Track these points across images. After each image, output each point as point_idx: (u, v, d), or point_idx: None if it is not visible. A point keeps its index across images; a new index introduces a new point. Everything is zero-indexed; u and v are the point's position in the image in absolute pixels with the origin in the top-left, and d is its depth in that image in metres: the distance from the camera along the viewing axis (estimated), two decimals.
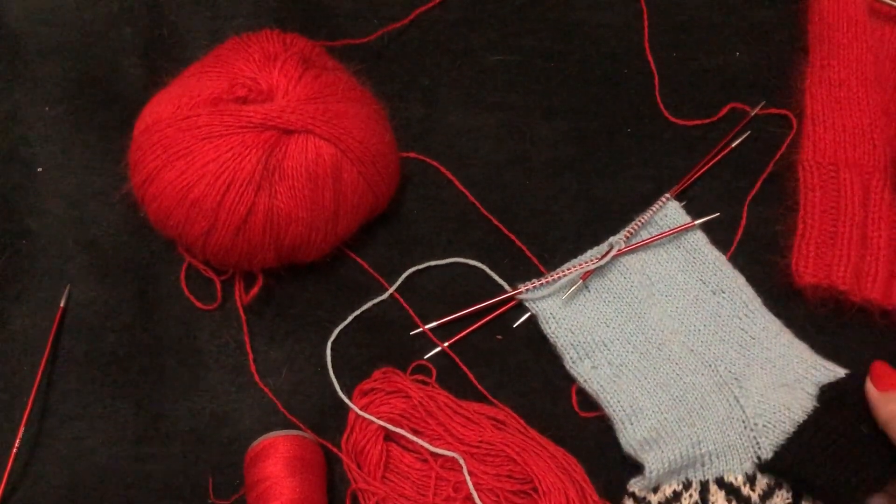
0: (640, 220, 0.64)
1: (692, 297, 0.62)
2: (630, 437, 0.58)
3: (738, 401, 0.59)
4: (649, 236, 0.64)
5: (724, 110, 0.69)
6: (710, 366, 0.60)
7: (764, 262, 0.64)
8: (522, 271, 0.64)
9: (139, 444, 0.61)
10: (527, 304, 0.63)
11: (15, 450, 0.60)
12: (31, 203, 0.67)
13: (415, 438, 0.58)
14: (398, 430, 0.58)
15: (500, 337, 0.63)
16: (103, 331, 0.64)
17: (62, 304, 0.64)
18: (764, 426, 0.57)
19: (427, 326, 0.63)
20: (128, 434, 0.61)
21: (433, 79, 0.71)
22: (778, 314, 0.62)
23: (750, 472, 0.57)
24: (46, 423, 0.62)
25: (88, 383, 0.63)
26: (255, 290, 0.62)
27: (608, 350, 0.61)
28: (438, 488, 0.58)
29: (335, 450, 0.60)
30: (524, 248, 0.65)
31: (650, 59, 0.70)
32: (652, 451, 0.57)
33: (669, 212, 0.64)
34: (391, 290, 0.64)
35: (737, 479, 0.57)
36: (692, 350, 0.61)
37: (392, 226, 0.66)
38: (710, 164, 0.67)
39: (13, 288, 0.65)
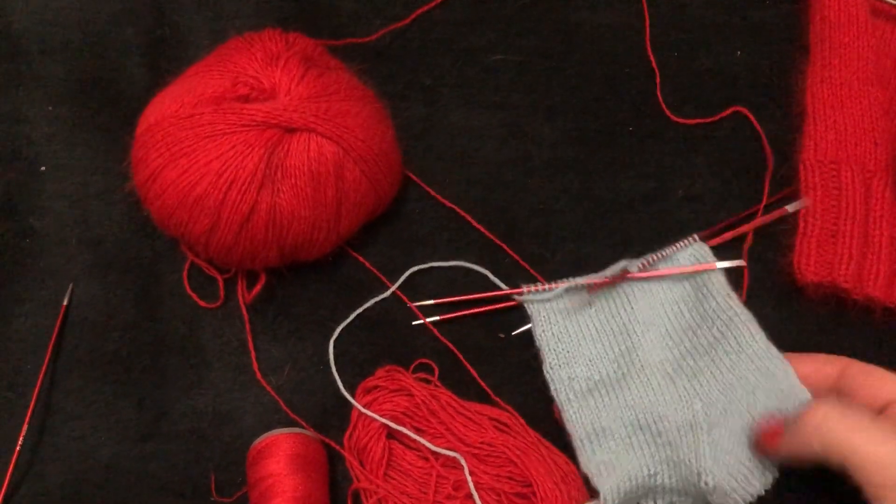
0: (661, 253, 0.62)
1: (691, 330, 0.61)
2: (588, 457, 0.57)
3: (699, 448, 0.55)
4: (666, 266, 0.62)
5: (727, 112, 0.69)
6: (687, 403, 0.57)
7: (765, 260, 0.64)
8: (523, 271, 0.64)
9: (142, 442, 0.61)
10: (525, 306, 0.63)
11: (18, 448, 0.60)
12: (34, 202, 0.67)
13: (416, 437, 0.58)
14: (400, 428, 0.58)
15: (502, 335, 0.63)
16: (106, 329, 0.64)
17: (65, 303, 0.64)
18: (715, 488, 0.53)
19: (418, 304, 0.63)
20: (130, 432, 0.62)
21: (435, 78, 0.71)
22: (779, 312, 0.62)
23: None
24: (49, 422, 0.62)
25: (91, 381, 0.63)
26: (257, 288, 0.62)
27: (590, 366, 0.60)
28: (439, 486, 0.58)
29: (337, 447, 0.60)
30: (516, 256, 0.65)
31: (652, 58, 0.71)
32: (609, 477, 0.55)
33: (694, 250, 0.63)
34: (393, 287, 0.64)
35: None
36: (674, 382, 0.58)
37: (394, 225, 0.66)
38: (755, 225, 0.64)
39: (16, 286, 0.65)
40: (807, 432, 0.51)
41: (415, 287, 0.65)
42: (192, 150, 0.57)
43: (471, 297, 0.64)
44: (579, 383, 0.60)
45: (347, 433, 0.60)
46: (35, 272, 0.66)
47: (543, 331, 0.62)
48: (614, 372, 0.60)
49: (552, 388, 0.60)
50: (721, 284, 0.61)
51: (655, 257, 0.62)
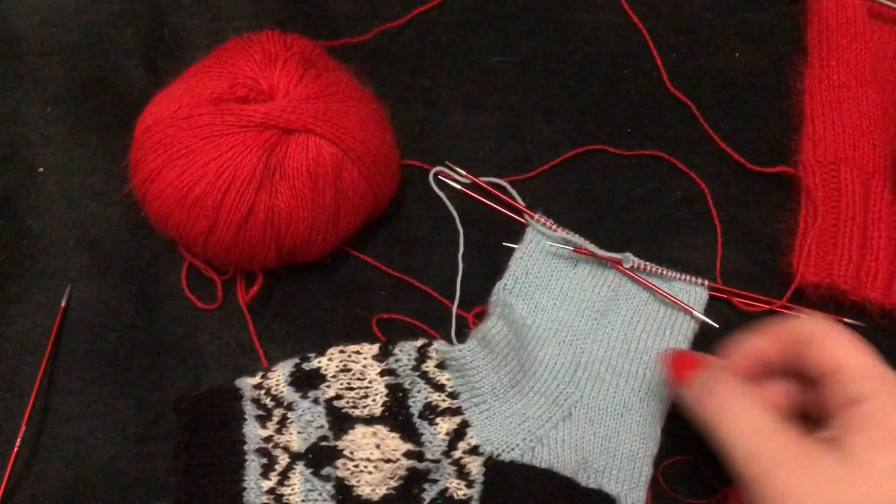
0: (664, 270, 0.62)
1: (644, 350, 0.60)
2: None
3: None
4: (660, 287, 0.61)
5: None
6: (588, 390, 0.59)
7: (764, 261, 0.64)
8: None
9: (140, 443, 0.61)
10: (528, 227, 0.64)
11: (16, 449, 0.60)
12: (32, 203, 0.67)
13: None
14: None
15: None
16: (104, 330, 0.64)
17: (63, 304, 0.64)
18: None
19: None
20: (128, 434, 0.61)
21: (433, 80, 0.71)
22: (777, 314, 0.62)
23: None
24: (47, 423, 0.62)
25: (89, 383, 0.63)
26: (254, 289, 0.62)
27: (535, 311, 0.61)
28: None
29: None
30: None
31: (656, 57, 0.71)
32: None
33: (694, 291, 0.61)
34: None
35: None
36: (604, 380, 0.59)
37: (393, 226, 0.66)
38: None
39: (14, 288, 0.65)
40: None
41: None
42: (191, 151, 0.57)
43: (490, 203, 0.66)
44: (516, 315, 0.60)
45: None
46: (33, 273, 0.66)
47: (523, 256, 0.63)
48: (553, 330, 0.60)
49: (490, 302, 0.61)
50: (685, 332, 0.60)
51: (656, 269, 0.62)
